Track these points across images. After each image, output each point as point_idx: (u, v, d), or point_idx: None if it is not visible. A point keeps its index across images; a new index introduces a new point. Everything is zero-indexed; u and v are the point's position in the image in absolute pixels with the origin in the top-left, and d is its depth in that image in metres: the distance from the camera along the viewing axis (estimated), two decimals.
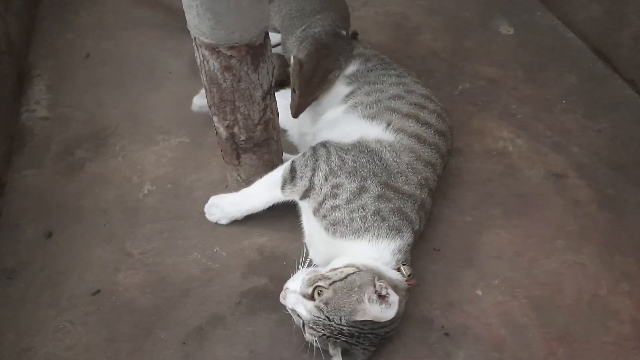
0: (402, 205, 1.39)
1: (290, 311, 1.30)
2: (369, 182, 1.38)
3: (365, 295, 1.19)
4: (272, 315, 1.41)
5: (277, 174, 1.48)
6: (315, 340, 1.23)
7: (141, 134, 1.88)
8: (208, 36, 1.23)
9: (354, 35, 1.81)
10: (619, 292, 1.46)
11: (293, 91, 1.61)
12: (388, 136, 1.48)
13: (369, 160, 1.42)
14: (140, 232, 1.59)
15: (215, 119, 1.43)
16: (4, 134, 1.81)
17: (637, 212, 1.65)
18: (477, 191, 1.70)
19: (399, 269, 1.33)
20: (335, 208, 1.36)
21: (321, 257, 1.42)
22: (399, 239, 1.35)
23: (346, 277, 1.23)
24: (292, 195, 1.46)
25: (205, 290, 1.46)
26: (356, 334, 1.21)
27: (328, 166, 1.41)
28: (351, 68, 1.71)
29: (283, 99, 1.63)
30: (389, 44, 2.23)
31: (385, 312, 1.19)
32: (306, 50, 1.62)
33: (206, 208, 1.60)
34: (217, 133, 1.48)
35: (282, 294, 1.29)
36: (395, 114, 1.53)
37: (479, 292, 1.46)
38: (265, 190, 1.51)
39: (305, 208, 1.46)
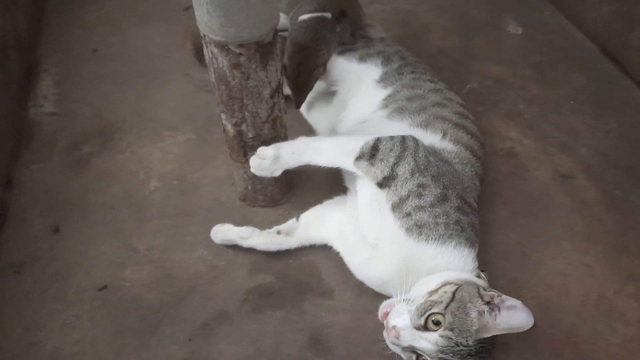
0: (473, 221, 1.36)
1: (399, 350, 1.20)
2: (450, 192, 1.32)
3: (480, 308, 1.15)
4: (277, 313, 1.41)
5: (356, 143, 1.36)
6: None
7: (148, 130, 1.88)
8: (218, 34, 1.22)
9: (342, 14, 1.74)
10: (626, 294, 1.46)
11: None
12: (447, 146, 1.45)
13: (448, 170, 1.37)
14: (146, 228, 1.60)
15: (223, 116, 1.43)
16: (11, 128, 1.82)
17: None
18: (484, 191, 1.68)
19: (478, 276, 1.29)
20: (420, 208, 1.28)
21: (387, 260, 1.33)
22: (474, 250, 1.31)
23: (453, 296, 1.16)
24: (364, 172, 1.35)
25: (211, 287, 1.46)
26: (481, 349, 1.15)
27: (415, 162, 1.32)
28: (376, 70, 1.69)
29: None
30: (396, 42, 2.21)
31: (516, 314, 1.14)
32: (287, 54, 1.64)
33: (252, 161, 1.43)
34: (224, 130, 1.48)
35: (389, 335, 1.18)
36: (447, 122, 1.50)
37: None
38: (336, 153, 1.39)
39: (381, 201, 1.33)
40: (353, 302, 1.43)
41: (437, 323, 1.15)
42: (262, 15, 1.22)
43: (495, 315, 1.14)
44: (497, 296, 1.16)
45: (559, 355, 1.34)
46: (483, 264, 1.49)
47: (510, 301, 1.15)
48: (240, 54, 1.26)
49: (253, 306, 1.43)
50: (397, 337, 1.17)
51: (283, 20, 1.84)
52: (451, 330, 1.13)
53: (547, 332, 1.38)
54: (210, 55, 1.29)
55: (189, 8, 2.32)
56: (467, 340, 1.13)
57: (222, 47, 1.25)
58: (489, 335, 1.14)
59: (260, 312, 1.41)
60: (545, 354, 1.34)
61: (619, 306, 1.44)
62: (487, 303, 1.15)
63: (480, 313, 1.14)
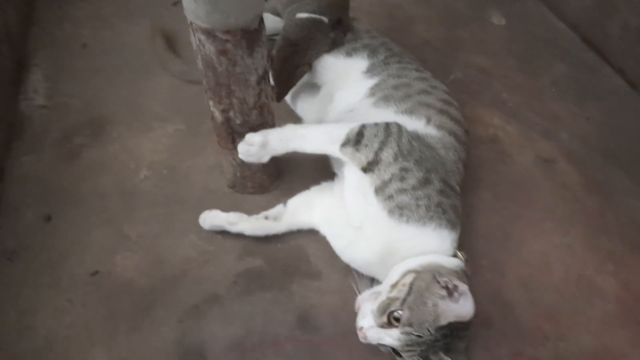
0: (456, 204, 1.40)
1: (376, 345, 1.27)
2: (433, 175, 1.36)
3: (437, 296, 1.19)
4: (266, 295, 1.45)
5: (342, 130, 1.40)
6: (416, 358, 1.20)
7: (138, 122, 1.91)
8: (204, 20, 1.26)
9: (339, 22, 1.79)
10: (605, 272, 1.51)
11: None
12: (431, 132, 1.49)
13: (431, 154, 1.41)
14: (137, 215, 1.62)
15: (210, 103, 1.46)
16: (3, 121, 1.84)
17: (623, 196, 1.70)
18: (468, 176, 1.72)
19: (455, 255, 1.33)
20: (402, 191, 1.32)
21: (371, 241, 1.37)
22: (454, 232, 1.35)
23: (410, 288, 1.22)
24: (350, 158, 1.39)
25: (201, 271, 1.50)
26: (448, 332, 1.19)
27: (398, 146, 1.36)
28: (362, 62, 1.72)
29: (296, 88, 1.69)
30: (382, 34, 2.25)
31: (463, 306, 1.19)
32: (276, 46, 1.68)
33: (241, 147, 1.45)
34: (212, 117, 1.51)
35: (360, 335, 1.26)
36: (431, 109, 1.53)
37: (469, 272, 1.49)
38: (323, 140, 1.43)
39: (365, 185, 1.37)
40: (340, 283, 1.47)
41: (398, 319, 1.20)
42: (247, 2, 1.25)
43: (449, 301, 1.19)
44: (450, 282, 1.20)
45: (540, 331, 1.39)
46: (466, 246, 1.53)
47: (461, 287, 1.19)
48: (226, 40, 1.29)
49: (243, 288, 1.46)
50: (365, 338, 1.24)
51: (274, 24, 1.87)
52: (410, 325, 1.18)
53: (528, 309, 1.42)
54: (198, 43, 1.32)
55: (177, 3, 2.36)
56: (428, 331, 1.18)
57: (209, 34, 1.28)
58: (445, 322, 1.18)
59: (250, 294, 1.45)
60: (526, 329, 1.39)
61: (598, 283, 1.48)
62: (444, 288, 1.20)
63: (435, 302, 1.19)
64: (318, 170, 1.67)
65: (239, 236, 1.56)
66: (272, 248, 1.55)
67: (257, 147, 1.44)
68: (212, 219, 1.56)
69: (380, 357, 1.32)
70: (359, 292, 1.33)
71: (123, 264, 1.51)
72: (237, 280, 1.48)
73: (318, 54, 1.74)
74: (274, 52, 1.67)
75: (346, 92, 1.72)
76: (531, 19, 2.40)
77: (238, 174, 1.63)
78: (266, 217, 1.57)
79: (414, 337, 1.18)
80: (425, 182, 1.34)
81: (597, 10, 2.19)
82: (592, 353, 1.35)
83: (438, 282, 1.20)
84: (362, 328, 1.25)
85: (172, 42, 2.17)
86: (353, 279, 1.35)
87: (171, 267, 1.50)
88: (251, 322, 1.39)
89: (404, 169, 1.34)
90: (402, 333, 1.19)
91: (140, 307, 1.42)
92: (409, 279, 1.24)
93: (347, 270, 1.48)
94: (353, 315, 1.38)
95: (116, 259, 1.52)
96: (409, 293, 1.21)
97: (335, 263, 1.50)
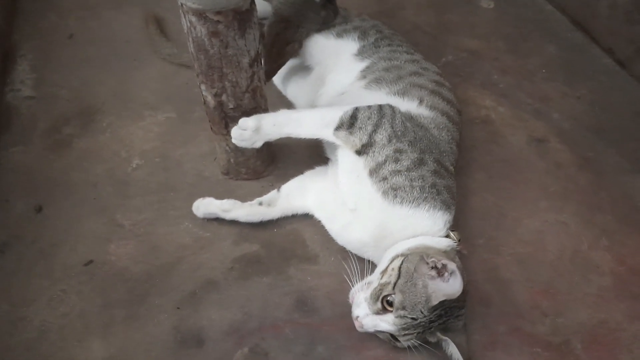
0: (450, 184, 1.40)
1: (374, 332, 1.27)
2: (427, 156, 1.36)
3: (427, 277, 1.19)
4: (264, 279, 1.44)
5: (336, 114, 1.39)
6: (413, 344, 1.21)
7: (128, 110, 1.89)
8: (195, 1, 1.24)
9: (330, 1, 1.78)
10: (600, 248, 1.52)
11: None
12: (424, 112, 1.48)
13: (425, 135, 1.41)
14: (130, 204, 1.60)
15: (203, 87, 1.45)
16: None
17: (615, 173, 1.71)
18: (462, 157, 1.73)
19: (447, 236, 1.33)
20: (396, 172, 1.32)
21: (365, 223, 1.37)
22: (448, 213, 1.35)
23: (400, 271, 1.22)
24: (343, 142, 1.39)
25: (197, 258, 1.48)
26: (443, 312, 1.20)
27: (392, 128, 1.36)
28: (353, 45, 1.72)
29: (287, 71, 1.69)
30: (372, 19, 2.25)
31: (452, 284, 1.17)
32: (268, 22, 1.68)
33: (234, 132, 1.45)
34: (205, 102, 1.49)
35: (356, 325, 1.26)
36: (423, 90, 1.53)
37: (465, 252, 1.49)
38: (316, 124, 1.42)
39: (359, 167, 1.37)
40: (337, 266, 1.46)
41: (392, 303, 1.21)
42: None
43: (439, 280, 1.18)
44: (438, 261, 1.20)
45: (537, 307, 1.39)
46: (462, 225, 1.54)
47: (450, 265, 1.18)
48: (218, 21, 1.27)
49: (240, 274, 1.45)
50: (362, 327, 1.24)
51: (263, 7, 1.85)
52: (403, 308, 1.19)
53: (525, 286, 1.43)
54: (189, 25, 1.30)
55: None
56: (421, 313, 1.18)
57: (200, 15, 1.26)
58: (437, 301, 1.18)
59: (247, 279, 1.44)
60: (524, 306, 1.39)
61: (593, 259, 1.49)
62: (433, 268, 1.19)
63: (425, 283, 1.19)
64: (312, 155, 1.66)
65: (235, 222, 1.55)
66: (268, 233, 1.54)
67: (250, 131, 1.43)
68: (206, 206, 1.55)
69: (378, 337, 1.32)
70: (352, 285, 1.32)
71: (117, 253, 1.49)
72: (234, 265, 1.47)
73: (309, 32, 1.73)
74: (265, 28, 1.67)
75: (337, 75, 1.71)
76: (520, 1, 2.40)
77: (232, 160, 1.61)
78: (260, 203, 1.56)
79: (408, 320, 1.19)
80: (419, 163, 1.34)
81: None
82: (589, 327, 1.36)
83: (427, 263, 1.20)
84: (357, 317, 1.25)
85: (162, 27, 2.15)
86: (348, 270, 1.34)
87: (166, 254, 1.49)
88: (249, 306, 1.38)
89: (398, 150, 1.35)
90: (396, 317, 1.20)
91: (136, 295, 1.40)
92: (397, 262, 1.24)
93: (344, 253, 1.48)
94: None
95: (110, 247, 1.50)
96: (398, 276, 1.22)
97: (332, 246, 1.50)
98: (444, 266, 1.19)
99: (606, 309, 1.39)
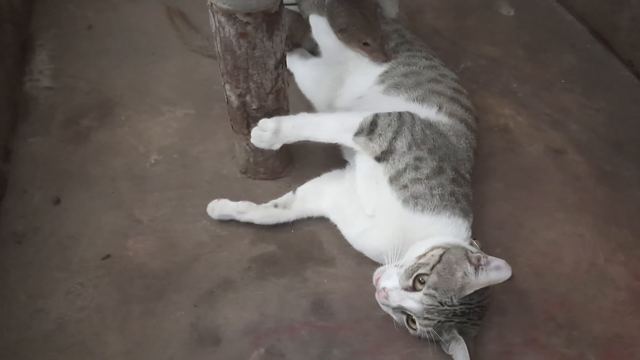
0: (467, 192, 1.40)
1: (390, 311, 1.28)
2: (445, 164, 1.36)
3: (467, 268, 1.19)
4: (280, 280, 1.44)
5: (356, 119, 1.40)
6: (428, 332, 1.20)
7: (146, 105, 1.88)
8: (225, 2, 1.24)
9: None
10: (616, 262, 1.52)
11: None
12: (442, 119, 1.48)
13: (444, 143, 1.41)
14: (148, 199, 1.61)
15: (227, 87, 1.45)
16: (8, 102, 1.81)
17: (632, 186, 1.71)
18: (479, 165, 1.73)
19: (471, 244, 1.33)
20: (417, 180, 1.33)
21: (383, 230, 1.38)
22: (467, 221, 1.35)
23: (440, 258, 1.22)
24: (363, 148, 1.39)
25: (215, 256, 1.49)
26: (467, 310, 1.20)
27: (412, 136, 1.37)
28: None
29: (307, 68, 1.70)
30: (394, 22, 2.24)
31: (501, 272, 1.19)
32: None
33: (253, 133, 1.45)
34: (228, 102, 1.49)
35: (379, 296, 1.25)
36: (442, 97, 1.53)
37: None
38: (336, 129, 1.42)
39: (378, 174, 1.38)
40: (354, 270, 1.47)
41: (424, 283, 1.21)
42: None
43: (480, 274, 1.19)
44: (484, 257, 1.21)
45: (552, 319, 1.40)
46: (479, 234, 1.54)
47: (496, 262, 1.20)
48: (247, 22, 1.27)
49: (257, 274, 1.45)
50: (387, 298, 1.23)
51: None
52: (435, 289, 1.19)
53: (541, 297, 1.43)
54: (217, 25, 1.30)
55: None
56: (451, 300, 1.18)
57: (230, 15, 1.26)
58: (471, 291, 1.19)
59: (264, 280, 1.44)
60: (539, 317, 1.40)
61: (609, 273, 1.50)
62: (475, 265, 1.20)
63: (466, 273, 1.19)
64: (330, 157, 1.66)
65: (251, 223, 1.55)
66: (285, 234, 1.55)
67: (269, 133, 1.43)
68: (221, 208, 1.55)
69: (394, 342, 1.33)
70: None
71: (135, 248, 1.49)
72: (251, 265, 1.47)
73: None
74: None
75: (356, 77, 1.72)
76: (540, 10, 2.39)
77: (251, 160, 1.61)
78: (275, 205, 1.56)
79: (436, 302, 1.18)
80: (438, 171, 1.35)
81: (606, 2, 2.19)
82: (604, 341, 1.36)
83: (468, 258, 1.21)
84: (385, 288, 1.24)
85: (188, 20, 2.15)
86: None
87: (184, 251, 1.49)
88: (266, 307, 1.39)
89: (417, 158, 1.35)
90: (425, 294, 1.19)
91: (154, 291, 1.41)
92: (438, 251, 1.24)
93: (361, 257, 1.48)
94: (367, 301, 1.38)
95: (128, 243, 1.50)
96: (439, 261, 1.21)
97: (349, 250, 1.50)
98: (488, 262, 1.20)
99: (621, 323, 1.40)
